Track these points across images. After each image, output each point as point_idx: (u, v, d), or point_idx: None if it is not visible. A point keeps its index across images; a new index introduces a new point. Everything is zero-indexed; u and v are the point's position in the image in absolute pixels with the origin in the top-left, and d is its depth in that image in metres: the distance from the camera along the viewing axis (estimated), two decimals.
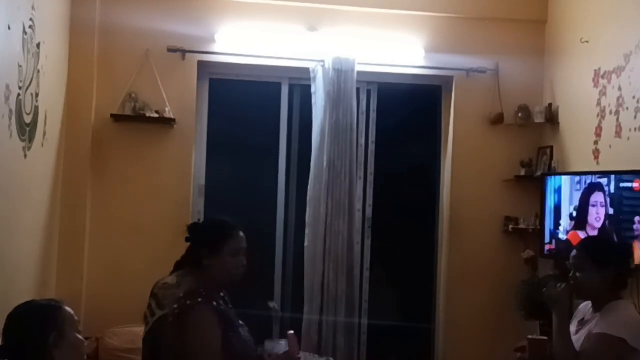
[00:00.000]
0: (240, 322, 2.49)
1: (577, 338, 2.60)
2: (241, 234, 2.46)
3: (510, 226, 4.65)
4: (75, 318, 2.14)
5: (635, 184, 3.53)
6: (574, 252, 2.67)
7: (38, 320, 2.02)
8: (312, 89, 4.64)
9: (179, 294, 2.36)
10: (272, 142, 4.80)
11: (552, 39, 4.72)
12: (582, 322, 2.66)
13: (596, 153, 4.04)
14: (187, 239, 2.52)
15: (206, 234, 2.46)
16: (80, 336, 2.12)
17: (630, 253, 2.87)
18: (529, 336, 2.72)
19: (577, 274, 2.61)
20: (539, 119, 4.63)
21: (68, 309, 2.11)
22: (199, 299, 2.29)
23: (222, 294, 2.53)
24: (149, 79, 4.43)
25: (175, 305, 2.31)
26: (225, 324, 2.32)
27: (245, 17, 4.56)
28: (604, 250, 2.65)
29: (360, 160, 4.75)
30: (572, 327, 2.71)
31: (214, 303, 2.33)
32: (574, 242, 3.99)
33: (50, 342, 2.00)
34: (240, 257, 2.44)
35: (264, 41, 4.57)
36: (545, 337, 2.73)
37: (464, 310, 4.70)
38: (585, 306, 2.72)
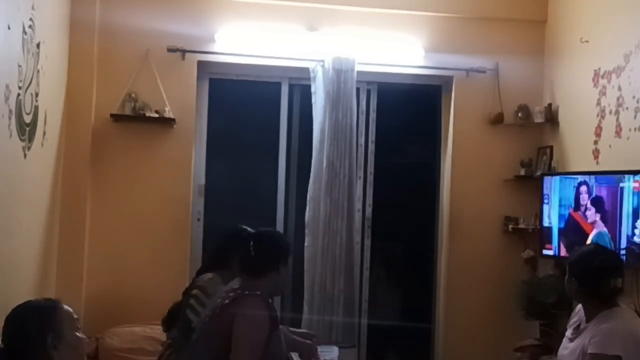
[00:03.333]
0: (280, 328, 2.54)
1: (573, 348, 2.58)
2: None
3: (510, 226, 4.65)
4: (75, 317, 2.13)
5: (635, 184, 3.52)
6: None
7: (35, 321, 2.01)
8: (312, 89, 4.64)
9: (233, 286, 2.42)
10: (272, 142, 4.79)
11: (552, 39, 4.72)
12: (577, 330, 2.64)
13: (596, 153, 4.03)
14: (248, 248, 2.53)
15: (282, 247, 2.57)
16: (80, 335, 2.11)
17: (607, 269, 2.64)
18: None
19: (568, 289, 2.67)
20: (539, 119, 4.63)
21: (66, 308, 2.10)
22: (258, 292, 2.35)
23: None
24: (149, 79, 4.43)
25: (231, 294, 2.35)
26: (272, 325, 2.36)
27: (245, 17, 4.56)
28: (572, 258, 2.69)
29: (360, 160, 4.75)
30: (568, 333, 2.70)
31: (270, 300, 2.40)
32: None
33: (49, 342, 1.99)
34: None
35: (264, 41, 4.57)
36: None
37: (464, 310, 4.69)
38: (581, 309, 2.70)
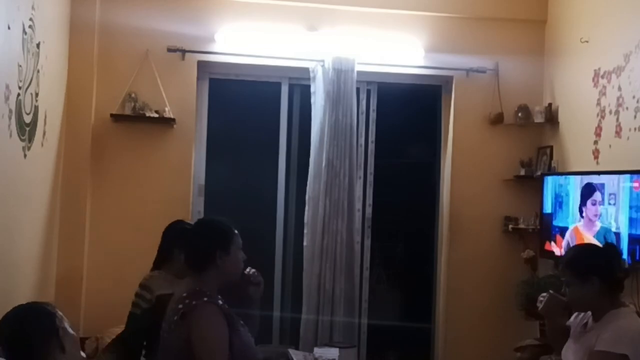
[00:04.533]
0: (241, 322, 2.48)
1: (579, 347, 2.57)
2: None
3: (510, 226, 4.65)
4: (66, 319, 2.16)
5: (635, 184, 3.52)
6: (560, 266, 2.67)
7: (47, 316, 2.04)
8: (312, 89, 4.64)
9: (181, 294, 2.36)
10: (272, 142, 4.80)
11: (552, 39, 4.72)
12: (584, 328, 2.63)
13: (596, 153, 4.04)
14: (185, 243, 2.49)
15: (215, 234, 2.44)
16: (74, 332, 2.15)
17: (617, 257, 2.72)
18: (551, 291, 2.73)
19: (567, 290, 2.62)
20: (539, 119, 4.63)
21: (57, 310, 2.13)
22: (205, 299, 2.30)
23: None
24: (149, 79, 4.43)
25: (180, 306, 2.29)
26: (229, 323, 2.31)
27: (245, 17, 4.56)
28: (580, 259, 2.62)
29: (360, 160, 4.75)
30: (573, 332, 2.69)
31: (220, 302, 2.33)
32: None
33: (61, 334, 2.02)
34: (242, 252, 2.48)
35: (264, 41, 4.57)
36: (564, 298, 2.72)
37: (464, 310, 4.70)
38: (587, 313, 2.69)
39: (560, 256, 2.79)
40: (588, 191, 3.87)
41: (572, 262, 2.62)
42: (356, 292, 4.59)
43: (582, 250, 2.86)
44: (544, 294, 2.75)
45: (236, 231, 2.48)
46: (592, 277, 2.54)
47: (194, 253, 2.45)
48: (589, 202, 3.86)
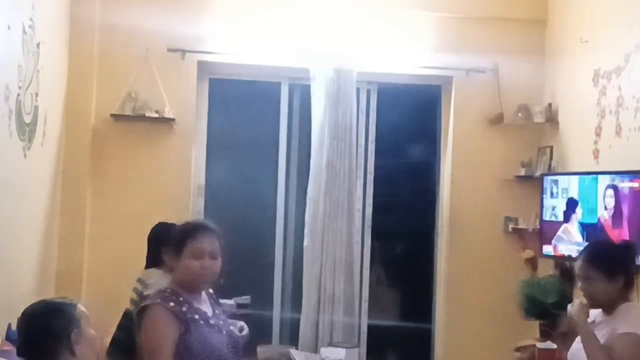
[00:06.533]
0: (223, 324, 2.47)
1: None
2: (205, 236, 2.38)
3: (510, 226, 4.65)
4: (88, 315, 2.18)
5: (635, 184, 3.52)
6: (579, 262, 2.66)
7: (60, 318, 2.06)
8: (312, 89, 4.64)
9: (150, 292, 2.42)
10: (272, 142, 4.80)
11: (552, 39, 4.72)
12: (592, 324, 2.64)
13: (596, 153, 4.03)
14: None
15: (167, 235, 2.46)
16: (94, 332, 2.17)
17: (635, 252, 2.79)
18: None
19: (587, 286, 2.61)
20: (539, 119, 4.63)
21: (81, 306, 2.16)
22: (158, 300, 2.32)
23: (210, 292, 2.54)
24: (149, 79, 4.43)
25: (142, 304, 2.37)
26: (185, 325, 2.30)
27: (245, 17, 4.56)
28: (610, 257, 2.62)
29: (360, 160, 4.75)
30: None
31: (171, 304, 2.31)
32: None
33: (72, 338, 2.04)
34: (204, 260, 2.36)
35: (264, 41, 4.57)
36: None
37: (463, 310, 4.69)
38: (594, 310, 2.70)
39: (582, 251, 2.80)
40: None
41: (601, 259, 2.61)
42: (356, 292, 4.59)
43: (609, 248, 2.87)
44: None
45: (203, 236, 2.38)
46: (619, 274, 2.57)
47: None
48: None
